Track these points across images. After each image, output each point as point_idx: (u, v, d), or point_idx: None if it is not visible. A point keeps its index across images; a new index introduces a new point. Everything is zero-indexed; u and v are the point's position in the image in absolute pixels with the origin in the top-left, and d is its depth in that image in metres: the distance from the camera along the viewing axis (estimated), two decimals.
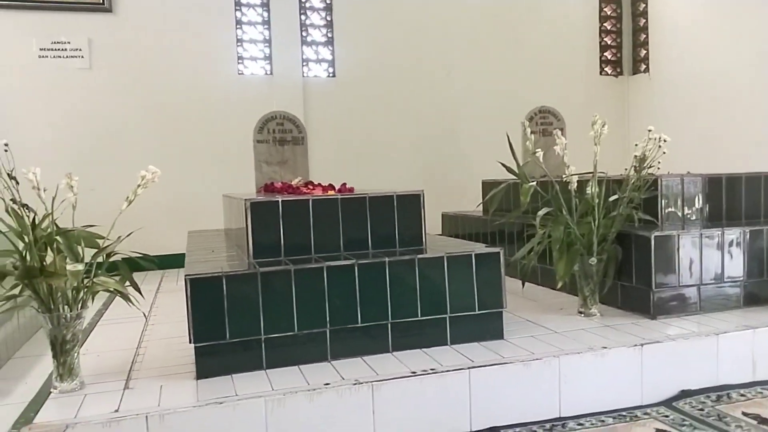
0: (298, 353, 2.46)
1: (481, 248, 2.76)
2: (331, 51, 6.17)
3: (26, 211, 2.17)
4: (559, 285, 2.94)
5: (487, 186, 4.85)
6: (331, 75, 6.18)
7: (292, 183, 3.96)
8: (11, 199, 2.15)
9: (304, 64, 6.09)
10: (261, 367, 2.41)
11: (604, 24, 7.11)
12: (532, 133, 3.04)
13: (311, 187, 3.50)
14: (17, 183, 2.15)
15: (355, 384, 2.22)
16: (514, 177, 3.20)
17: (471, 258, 2.68)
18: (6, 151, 2.11)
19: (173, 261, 4.67)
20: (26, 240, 2.16)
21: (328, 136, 5.94)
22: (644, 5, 6.97)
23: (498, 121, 6.26)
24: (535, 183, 2.98)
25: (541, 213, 2.99)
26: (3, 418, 2.06)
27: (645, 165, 3.01)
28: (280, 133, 4.53)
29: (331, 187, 3.41)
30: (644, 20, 6.97)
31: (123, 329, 3.20)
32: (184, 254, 4.50)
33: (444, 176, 6.26)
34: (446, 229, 5.18)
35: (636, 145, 3.04)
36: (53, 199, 2.12)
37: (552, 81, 6.67)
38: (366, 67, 6.19)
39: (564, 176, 2.97)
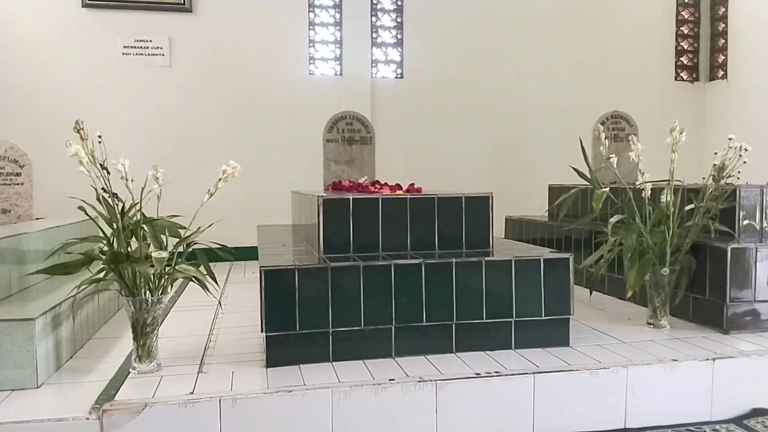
0: (364, 348, 2.51)
1: (549, 253, 2.73)
2: (399, 52, 6.21)
3: (115, 200, 2.28)
4: (629, 294, 2.87)
5: (554, 191, 4.78)
6: (399, 76, 6.22)
7: (360, 182, 4.01)
8: (102, 188, 2.27)
9: (373, 65, 6.15)
10: (327, 359, 2.47)
11: (681, 28, 6.88)
12: (605, 138, 2.98)
13: (378, 187, 3.55)
14: (108, 173, 2.27)
15: (419, 381, 2.24)
16: (585, 182, 3.15)
17: (539, 263, 2.65)
18: (100, 143, 2.24)
19: (241, 253, 4.80)
20: (114, 227, 2.28)
21: (395, 136, 5.98)
22: (724, 9, 6.71)
23: (566, 125, 6.17)
24: (607, 189, 2.92)
25: (613, 220, 2.93)
26: (86, 394, 2.19)
27: (724, 174, 2.91)
28: (349, 133, 4.61)
29: (399, 186, 3.44)
30: (723, 25, 6.71)
31: (195, 316, 3.33)
32: (252, 247, 4.67)
33: (508, 180, 6.20)
34: (509, 233, 5.13)
35: (715, 153, 2.95)
36: (142, 189, 2.23)
37: (625, 86, 6.51)
38: (434, 69, 6.20)
39: (638, 183, 2.90)
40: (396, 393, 2.21)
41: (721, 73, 6.71)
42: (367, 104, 5.89)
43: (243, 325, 3.11)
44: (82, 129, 2.21)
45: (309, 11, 5.98)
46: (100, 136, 2.25)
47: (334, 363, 2.46)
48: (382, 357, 2.52)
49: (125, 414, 2.01)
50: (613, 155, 2.97)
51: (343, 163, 4.59)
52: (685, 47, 6.89)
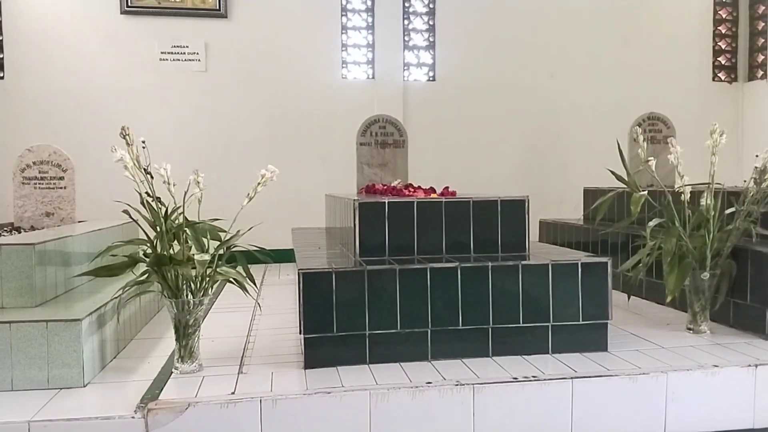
0: (400, 351, 2.52)
1: (587, 257, 2.71)
2: (432, 55, 6.22)
3: (159, 204, 2.34)
4: (668, 299, 2.83)
5: (590, 194, 4.74)
6: (431, 79, 6.23)
7: (393, 185, 4.03)
8: (146, 193, 2.33)
9: (405, 68, 6.16)
10: (365, 361, 2.49)
11: (719, 27, 6.74)
12: (643, 141, 2.94)
13: (412, 190, 3.56)
14: (152, 177, 2.33)
15: (456, 385, 2.24)
16: (622, 185, 3.12)
17: (577, 267, 2.64)
18: (144, 148, 2.30)
19: (276, 255, 4.85)
20: (158, 230, 2.33)
21: (427, 139, 5.99)
22: (764, 8, 6.56)
23: (601, 127, 6.11)
24: (646, 193, 2.89)
25: (652, 224, 2.90)
26: (131, 393, 2.24)
27: (766, 177, 2.86)
28: (382, 136, 4.63)
29: (432, 190, 3.45)
30: (762, 24, 6.56)
31: (234, 317, 3.39)
32: (286, 249, 4.74)
33: (542, 182, 6.16)
34: (544, 237, 5.10)
35: (756, 156, 2.89)
36: (184, 193, 2.28)
37: (661, 86, 6.41)
38: (466, 71, 6.19)
39: (677, 186, 2.87)
40: (433, 396, 2.22)
41: (761, 73, 6.56)
42: (400, 107, 5.91)
43: (280, 326, 3.16)
44: (128, 135, 2.27)
45: (342, 15, 6.02)
46: (143, 142, 2.30)
47: (371, 365, 2.48)
48: (419, 360, 2.53)
49: (169, 413, 2.06)
50: (652, 158, 2.93)
51: (377, 167, 4.61)
52: (723, 47, 6.75)
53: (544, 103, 6.30)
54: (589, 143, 6.19)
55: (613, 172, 3.10)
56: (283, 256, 5.04)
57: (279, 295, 4.06)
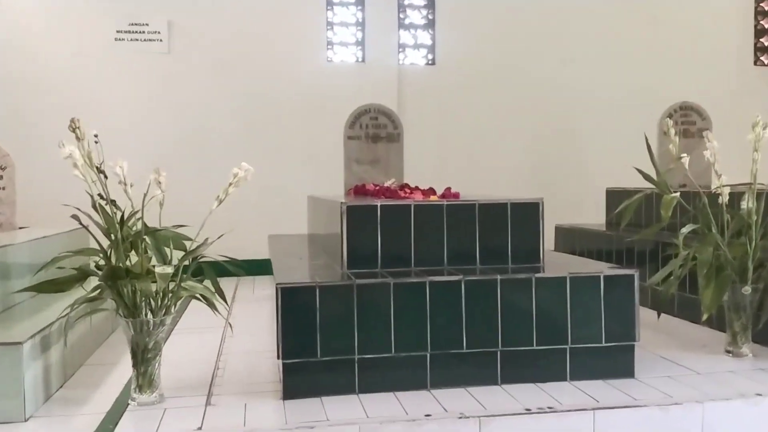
0: (395, 378, 2.52)
1: (610, 269, 2.72)
2: (431, 35, 6.24)
3: (113, 207, 2.33)
4: (704, 318, 2.84)
5: (613, 196, 4.76)
6: (430, 62, 6.25)
7: (386, 185, 4.03)
8: (99, 195, 2.32)
9: (401, 50, 6.19)
10: (353, 390, 2.49)
11: (761, 4, 6.80)
12: (675, 134, 2.96)
13: (408, 191, 3.56)
14: (106, 177, 2.31)
15: (460, 418, 2.24)
16: (651, 186, 3.13)
17: (599, 280, 2.64)
18: (96, 143, 2.29)
19: (250, 267, 4.83)
20: (112, 238, 2.32)
21: (426, 132, 6.00)
22: None
23: (626, 119, 6.14)
24: (678, 194, 2.90)
25: (684, 230, 2.91)
26: (80, 428, 2.22)
27: None
28: (374, 129, 4.64)
29: (432, 191, 3.45)
30: None
31: (200, 339, 3.37)
32: (262, 260, 4.73)
33: (559, 182, 6.18)
34: (560, 245, 5.11)
35: None
36: (143, 195, 2.27)
37: (695, 72, 6.44)
38: (470, 54, 6.21)
39: (714, 187, 2.88)
40: (433, 431, 2.21)
41: None
42: (394, 95, 5.92)
43: (255, 350, 3.14)
44: (78, 128, 2.26)
45: None
46: (96, 136, 2.29)
47: (360, 395, 2.47)
48: (416, 389, 2.53)
49: None
50: (684, 154, 2.95)
51: (367, 164, 4.61)
52: (766, 26, 6.80)
53: (560, 92, 6.33)
54: (612, 137, 6.22)
55: (640, 171, 3.11)
56: (259, 267, 5.01)
57: (253, 313, 4.04)
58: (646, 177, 3.07)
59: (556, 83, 6.32)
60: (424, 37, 6.26)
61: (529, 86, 6.28)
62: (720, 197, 2.88)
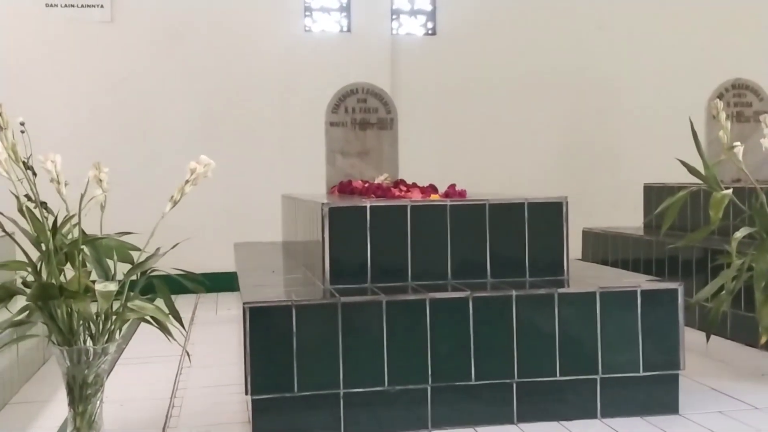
0: (389, 417, 2.52)
1: (650, 282, 2.73)
2: None
3: (44, 211, 2.32)
4: (763, 340, 2.85)
5: (653, 193, 4.77)
6: (430, 32, 6.26)
7: (378, 182, 4.03)
8: (26, 195, 2.31)
9: (394, 17, 6.19)
10: (338, 431, 2.48)
11: None
12: (727, 118, 2.98)
13: (405, 189, 3.57)
14: (34, 174, 2.31)
15: None
16: (698, 181, 3.14)
17: (635, 296, 2.65)
18: (23, 132, 2.28)
19: (213, 282, 4.82)
20: (43, 249, 2.31)
21: (425, 117, 6.00)
22: None
23: (668, 100, 6.16)
24: (730, 191, 2.91)
25: (738, 235, 2.92)
26: None
27: None
28: (362, 113, 4.63)
29: (433, 189, 3.46)
30: None
31: (152, 371, 3.36)
32: (227, 273, 4.71)
33: (586, 177, 6.19)
34: (589, 253, 5.12)
35: None
36: (82, 196, 2.27)
37: (751, 43, 6.46)
38: (479, 22, 6.21)
39: None
40: None
41: None
42: (387, 72, 5.91)
43: (218, 383, 3.14)
44: (0, 114, 2.25)
45: None
46: (23, 124, 2.29)
47: None
48: (415, 429, 2.53)
49: None
50: (738, 143, 2.96)
51: (354, 156, 4.61)
52: None
53: (589, 68, 6.34)
54: (651, 123, 6.23)
55: (684, 164, 3.12)
56: (223, 282, 5.01)
57: (216, 339, 4.03)
58: (692, 170, 3.09)
59: (586, 57, 6.33)
60: (423, 1, 6.26)
61: (552, 61, 6.28)
62: None
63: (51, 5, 5.64)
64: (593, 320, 2.62)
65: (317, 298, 2.54)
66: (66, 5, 5.66)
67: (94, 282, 2.30)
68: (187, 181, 2.41)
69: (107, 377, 2.44)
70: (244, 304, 2.46)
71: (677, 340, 2.66)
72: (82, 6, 5.68)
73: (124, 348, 3.86)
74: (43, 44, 5.61)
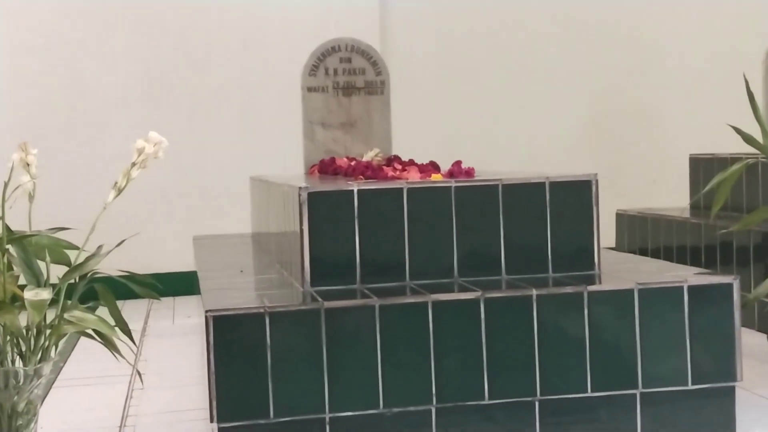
0: None
1: (698, 275, 2.73)
2: None
3: None
4: None
5: (701, 166, 4.78)
6: None
7: (367, 159, 4.03)
8: None
9: None
10: None
11: None
12: None
13: (400, 167, 3.57)
14: None
15: None
16: (755, 152, 3.15)
17: (681, 293, 2.65)
18: None
19: (169, 284, 4.83)
20: None
21: (422, 80, 6.00)
22: None
23: (717, 56, 6.17)
24: None
25: None
26: None
27: None
28: (346, 76, 4.63)
29: (434, 167, 3.46)
30: None
31: (95, 395, 3.37)
32: (186, 273, 4.72)
33: (620, 149, 6.21)
34: (625, 240, 5.14)
35: None
36: (5, 185, 2.26)
37: None
38: None
39: None
40: None
41: None
42: (375, 25, 5.90)
43: (177, 408, 3.15)
44: None
45: None
46: None
47: None
48: None
49: None
50: None
51: (337, 128, 4.61)
52: None
53: (621, 18, 6.34)
54: (697, 83, 6.25)
55: (738, 131, 3.12)
56: (181, 283, 5.01)
57: (173, 354, 4.04)
58: (748, 139, 3.09)
59: (618, 4, 6.33)
60: None
61: (578, 8, 6.28)
62: None
63: None
64: (631, 323, 2.62)
65: (295, 303, 2.54)
66: None
67: (22, 289, 2.29)
68: (133, 164, 2.39)
69: (42, 404, 2.43)
70: (206, 312, 2.45)
71: (732, 346, 2.67)
72: None
73: (62, 367, 3.86)
74: None
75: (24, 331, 2.29)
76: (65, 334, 2.37)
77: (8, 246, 2.31)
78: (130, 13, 5.75)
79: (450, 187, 2.84)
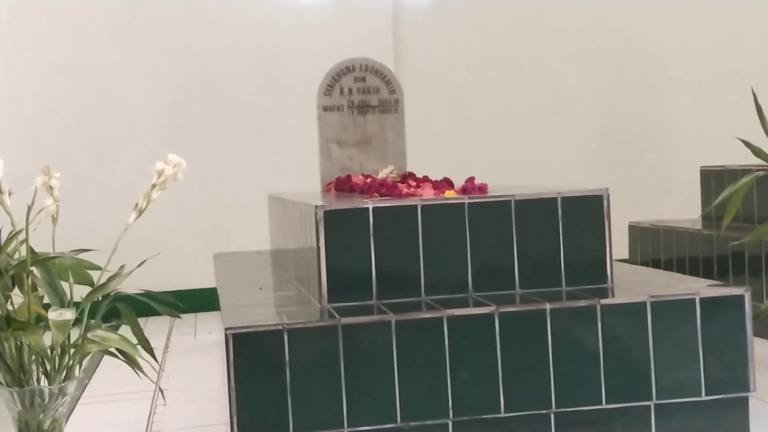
0: None
1: (711, 287, 2.72)
2: None
3: None
4: None
5: (712, 178, 4.76)
6: None
7: (382, 176, 4.04)
8: None
9: None
10: None
11: None
12: None
13: (414, 184, 3.57)
14: None
15: None
16: (765, 164, 3.14)
17: (693, 305, 2.64)
18: None
19: (190, 300, 4.85)
20: None
21: (435, 97, 6.00)
22: None
23: (725, 67, 6.14)
24: None
25: None
26: None
27: None
28: (360, 95, 4.63)
29: (448, 183, 3.46)
30: None
31: (119, 412, 3.37)
32: (207, 290, 4.72)
33: (632, 162, 6.19)
34: (638, 252, 5.12)
35: None
36: (29, 207, 2.27)
37: None
38: None
39: None
40: None
41: None
42: (389, 45, 5.91)
43: (199, 424, 3.15)
44: None
45: None
46: None
47: None
48: None
49: None
50: None
51: (353, 146, 4.61)
52: None
53: (630, 33, 6.33)
54: (706, 96, 6.22)
55: (747, 144, 3.11)
56: (202, 300, 5.03)
57: (195, 370, 4.04)
58: (757, 151, 3.08)
59: (628, 16, 6.32)
60: None
61: (588, 21, 6.28)
62: None
63: None
64: (644, 336, 2.62)
65: (313, 320, 2.54)
66: None
67: (47, 309, 2.30)
68: (153, 186, 2.40)
69: (67, 421, 2.44)
70: (226, 329, 2.46)
71: (745, 356, 2.66)
72: None
73: (87, 384, 3.87)
74: None
75: (48, 350, 2.30)
76: (89, 353, 2.38)
77: (32, 268, 2.33)
78: (153, 39, 5.77)
79: (464, 203, 2.85)
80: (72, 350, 2.33)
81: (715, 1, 6.38)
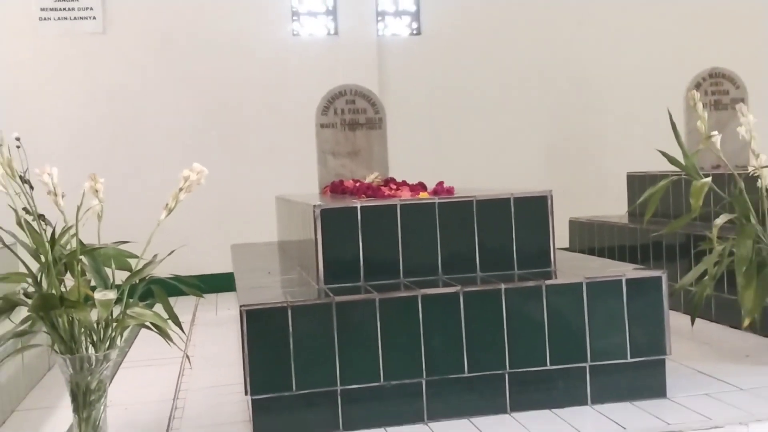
0: (385, 411, 2.53)
1: (635, 270, 2.74)
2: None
3: (42, 223, 2.32)
4: (746, 323, 2.86)
5: (636, 182, 4.79)
6: (415, 32, 6.25)
7: (368, 181, 4.04)
8: (24, 209, 2.31)
9: (380, 18, 6.18)
10: (337, 427, 2.50)
11: None
12: (704, 108, 2.98)
13: (395, 187, 3.57)
14: (32, 188, 2.30)
15: None
16: (678, 170, 3.15)
17: (620, 284, 2.66)
18: (18, 147, 2.28)
19: (211, 283, 4.85)
20: (43, 260, 2.31)
21: (413, 117, 6.00)
22: None
23: (648, 90, 6.17)
24: (710, 179, 2.92)
25: (719, 221, 2.93)
26: None
27: None
28: (351, 114, 4.63)
29: (422, 186, 3.47)
30: None
31: (153, 374, 3.37)
32: (225, 274, 4.71)
33: (572, 169, 6.21)
34: (576, 242, 5.14)
35: None
36: (78, 207, 2.27)
37: (727, 33, 6.46)
38: (464, 20, 6.21)
39: (751, 169, 2.90)
40: None
41: None
42: (374, 73, 5.91)
43: (219, 384, 3.15)
44: None
45: None
46: (18, 139, 2.28)
47: None
48: (411, 422, 2.54)
49: None
50: (715, 132, 2.97)
51: (345, 156, 4.61)
52: None
53: (570, 63, 6.35)
54: (632, 113, 6.25)
55: (664, 154, 3.13)
56: (222, 282, 5.03)
57: (216, 340, 4.04)
58: (672, 160, 3.10)
59: (568, 51, 6.34)
60: (407, 3, 6.25)
61: (535, 56, 6.29)
62: (759, 180, 2.90)
63: (44, 19, 5.62)
64: (581, 310, 2.64)
65: (312, 298, 2.55)
66: (59, 18, 5.63)
67: (93, 290, 2.31)
68: (180, 189, 2.41)
69: (110, 382, 2.44)
70: (240, 306, 2.47)
71: (663, 326, 2.68)
72: (75, 18, 5.65)
73: (127, 352, 3.86)
74: (36, 58, 5.59)
75: (95, 324, 2.31)
76: (128, 327, 2.39)
77: (81, 256, 2.33)
78: (182, 71, 5.75)
79: (434, 203, 2.86)
80: (114, 324, 2.34)
81: (640, 37, 6.41)
